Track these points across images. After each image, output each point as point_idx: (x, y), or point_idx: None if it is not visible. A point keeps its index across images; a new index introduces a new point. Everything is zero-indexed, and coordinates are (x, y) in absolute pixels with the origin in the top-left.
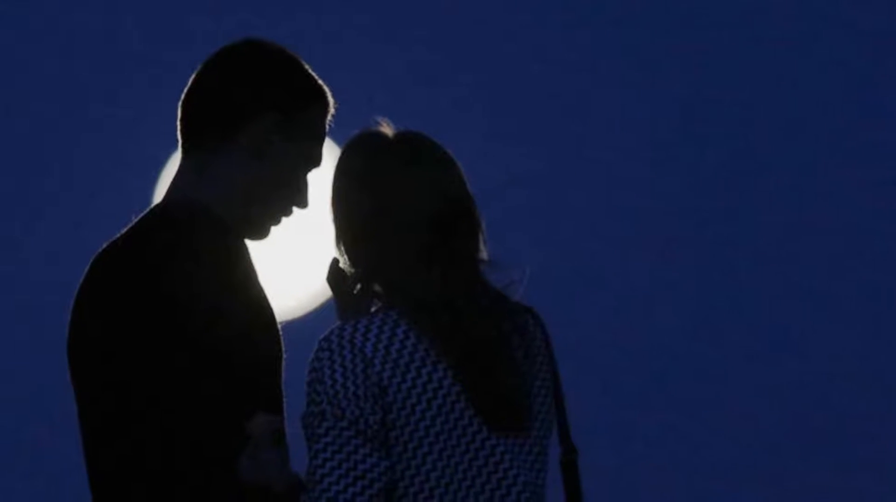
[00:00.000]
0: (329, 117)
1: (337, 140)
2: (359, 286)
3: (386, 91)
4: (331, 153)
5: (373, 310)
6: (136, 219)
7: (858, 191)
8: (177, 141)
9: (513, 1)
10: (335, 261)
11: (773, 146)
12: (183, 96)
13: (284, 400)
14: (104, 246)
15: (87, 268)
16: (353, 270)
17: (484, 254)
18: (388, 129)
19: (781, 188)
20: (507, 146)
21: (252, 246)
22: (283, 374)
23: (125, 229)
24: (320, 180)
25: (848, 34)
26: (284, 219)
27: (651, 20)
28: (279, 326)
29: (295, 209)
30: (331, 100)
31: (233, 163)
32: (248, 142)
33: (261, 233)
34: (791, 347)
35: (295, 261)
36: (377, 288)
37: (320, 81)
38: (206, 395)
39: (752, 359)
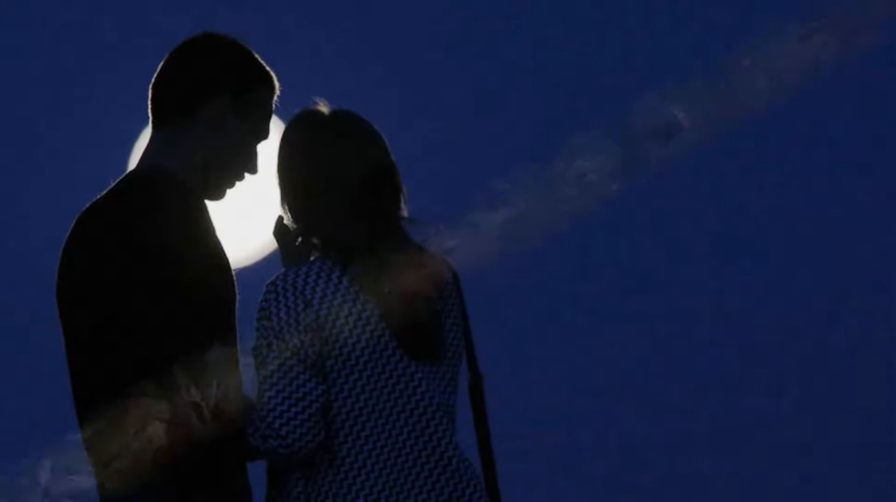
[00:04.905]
0: (275, 98)
1: (282, 117)
2: (300, 239)
3: (321, 75)
4: (276, 128)
5: (311, 258)
6: (113, 183)
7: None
8: (147, 117)
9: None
10: (280, 218)
11: None
12: (152, 80)
13: (238, 334)
14: (87, 205)
15: (72, 224)
16: (294, 226)
17: (405, 212)
18: (324, 108)
19: None
20: (419, 120)
21: (211, 205)
22: (237, 312)
23: (105, 191)
24: (268, 151)
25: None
26: (238, 184)
27: (537, 17)
28: (233, 272)
29: (247, 175)
30: (276, 83)
31: (194, 137)
32: (207, 119)
33: (218, 195)
34: (655, 285)
35: (246, 217)
36: (315, 240)
37: (268, 67)
38: (171, 329)
39: (624, 296)
